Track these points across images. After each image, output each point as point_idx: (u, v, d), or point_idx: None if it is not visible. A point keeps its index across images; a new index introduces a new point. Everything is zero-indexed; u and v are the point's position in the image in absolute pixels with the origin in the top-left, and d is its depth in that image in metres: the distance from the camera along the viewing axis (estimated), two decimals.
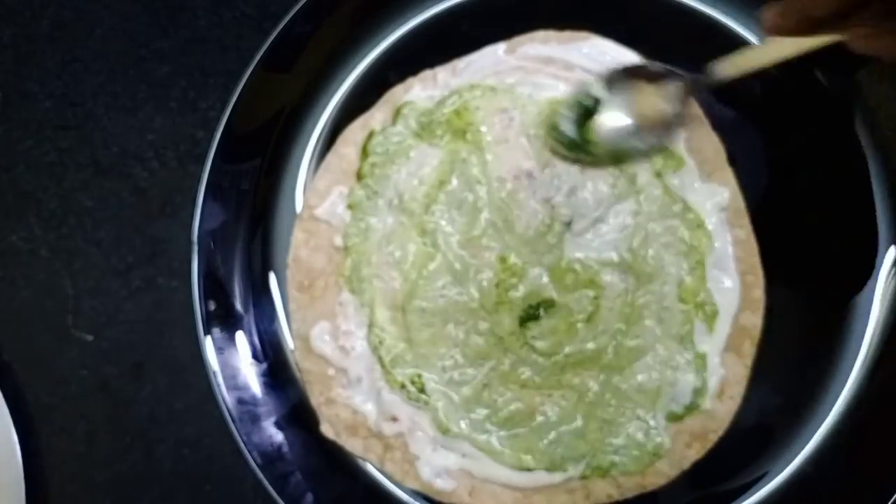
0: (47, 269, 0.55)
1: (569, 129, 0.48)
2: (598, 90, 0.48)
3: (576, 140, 0.48)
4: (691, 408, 0.47)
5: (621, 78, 0.48)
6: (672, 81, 0.47)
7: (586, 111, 0.48)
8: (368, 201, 0.51)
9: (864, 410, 0.48)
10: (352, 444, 0.49)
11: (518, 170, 0.50)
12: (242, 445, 0.49)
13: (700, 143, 0.50)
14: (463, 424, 0.48)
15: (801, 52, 0.45)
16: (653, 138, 0.48)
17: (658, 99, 0.47)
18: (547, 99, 0.50)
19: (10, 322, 0.54)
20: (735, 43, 0.52)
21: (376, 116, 0.52)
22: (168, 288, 0.54)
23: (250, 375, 0.50)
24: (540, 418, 0.47)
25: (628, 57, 0.51)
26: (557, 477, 0.47)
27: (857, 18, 0.37)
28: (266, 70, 0.52)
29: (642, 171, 0.49)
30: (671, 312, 0.48)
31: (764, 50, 0.46)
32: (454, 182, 0.50)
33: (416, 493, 0.49)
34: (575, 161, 0.49)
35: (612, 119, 0.47)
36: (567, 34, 0.52)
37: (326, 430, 0.49)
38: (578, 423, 0.47)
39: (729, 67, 0.46)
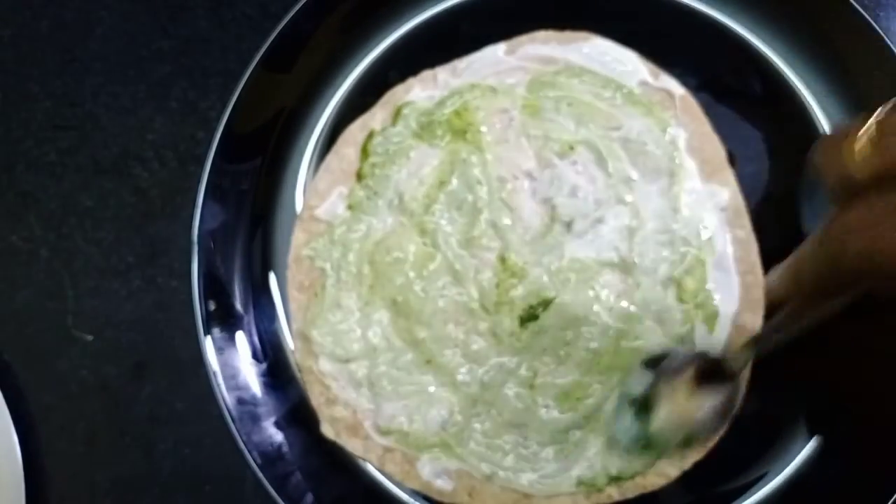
0: (47, 269, 0.55)
1: (624, 434, 0.46)
2: (636, 386, 0.46)
3: (635, 443, 0.46)
4: None
5: (663, 373, 0.45)
6: (713, 384, 0.44)
7: (632, 410, 0.46)
8: (368, 201, 0.51)
9: (863, 410, 0.47)
10: (352, 444, 0.49)
11: (518, 170, 0.50)
12: (242, 445, 0.49)
13: (700, 143, 0.50)
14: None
15: (818, 318, 0.41)
16: (700, 432, 0.45)
17: (694, 403, 0.44)
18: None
19: (10, 322, 0.54)
20: (736, 45, 0.52)
21: (376, 116, 0.52)
22: (168, 288, 0.54)
23: (250, 375, 0.50)
24: (540, 419, 0.47)
25: (628, 57, 0.51)
26: (561, 481, 0.47)
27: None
28: (266, 70, 0.52)
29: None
30: (671, 313, 0.48)
31: (788, 318, 0.42)
32: (454, 182, 0.50)
33: (416, 493, 0.49)
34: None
35: (658, 420, 0.45)
36: (567, 34, 0.52)
37: (326, 430, 0.49)
38: (579, 423, 0.47)
39: (766, 342, 0.43)
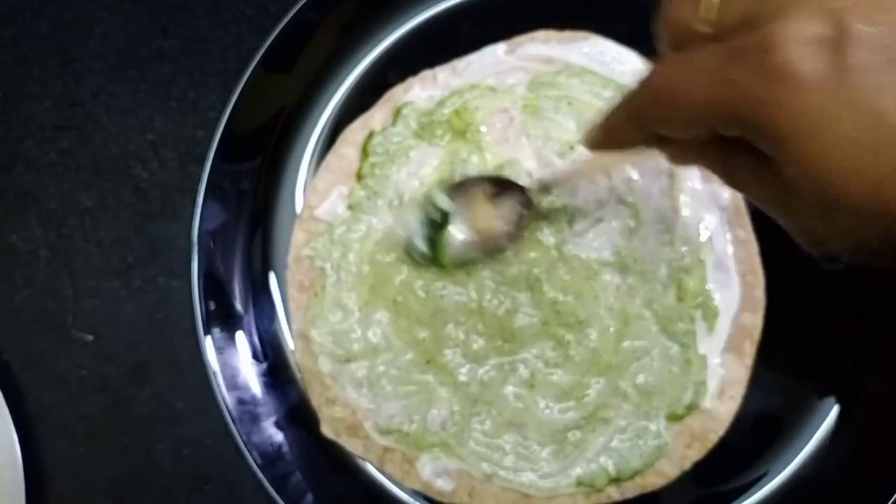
0: (47, 269, 0.55)
1: (421, 244, 0.49)
2: (444, 202, 0.49)
3: (428, 254, 0.49)
4: (691, 408, 0.47)
5: (462, 191, 0.49)
6: (507, 198, 0.48)
7: (434, 224, 0.49)
8: (368, 201, 0.51)
9: (863, 410, 0.48)
10: (352, 445, 0.49)
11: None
12: (242, 445, 0.49)
13: None
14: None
15: (625, 160, 0.47)
16: (491, 249, 0.49)
17: (493, 216, 0.48)
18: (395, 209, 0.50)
19: (10, 322, 0.54)
20: None
21: (376, 116, 0.52)
22: (168, 288, 0.54)
23: (250, 375, 0.50)
24: (540, 419, 0.47)
25: (628, 57, 0.51)
26: (560, 481, 0.47)
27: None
28: (266, 70, 0.52)
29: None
30: (671, 313, 0.48)
31: (591, 161, 0.45)
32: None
33: (416, 493, 0.49)
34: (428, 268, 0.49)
35: (457, 233, 0.49)
36: (567, 34, 0.52)
37: (326, 430, 0.49)
38: (579, 423, 0.47)
39: (556, 181, 0.47)
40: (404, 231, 0.49)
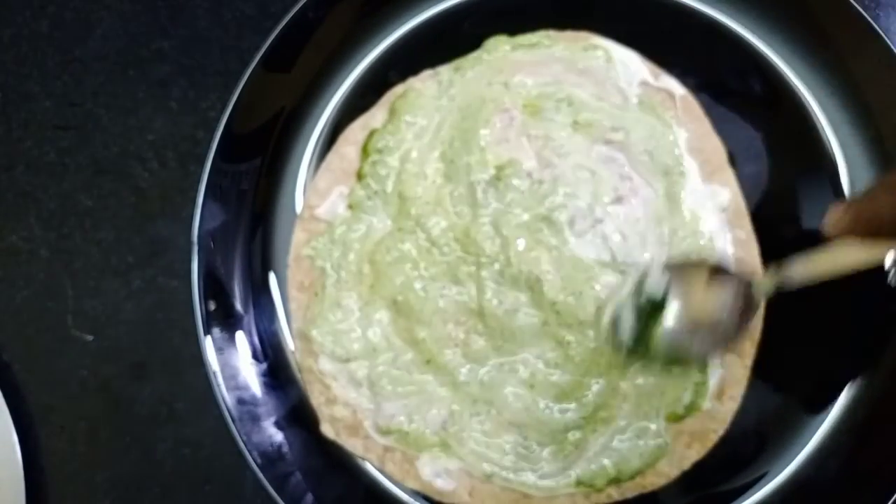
0: (47, 269, 0.55)
1: (627, 329, 0.45)
2: (657, 286, 0.44)
3: (634, 342, 0.45)
4: (691, 408, 0.47)
5: (679, 274, 0.44)
6: (729, 285, 0.43)
7: (644, 307, 0.45)
8: (369, 201, 0.51)
9: (864, 410, 0.48)
10: (352, 444, 0.49)
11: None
12: (242, 445, 0.49)
13: (700, 143, 0.50)
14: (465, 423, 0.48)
15: (871, 262, 0.39)
16: (707, 344, 0.44)
17: (710, 299, 0.43)
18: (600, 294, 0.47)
19: (10, 322, 0.54)
20: (736, 45, 0.52)
21: (377, 116, 0.52)
22: (168, 288, 0.54)
23: (250, 375, 0.50)
24: (540, 419, 0.47)
25: (629, 57, 0.51)
26: (560, 481, 0.47)
27: None
28: (266, 70, 0.52)
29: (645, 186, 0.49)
30: None
31: (832, 256, 0.40)
32: (455, 182, 0.50)
33: (416, 493, 0.49)
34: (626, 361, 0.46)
35: (671, 321, 0.43)
36: (567, 34, 0.52)
37: (326, 430, 0.49)
38: (579, 423, 0.47)
39: (796, 273, 0.41)
40: (608, 316, 0.45)
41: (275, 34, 0.52)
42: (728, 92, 0.51)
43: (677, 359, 0.45)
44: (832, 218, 0.36)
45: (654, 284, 0.44)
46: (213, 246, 0.51)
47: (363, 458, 0.49)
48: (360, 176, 0.51)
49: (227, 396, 0.50)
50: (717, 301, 0.43)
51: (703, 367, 0.47)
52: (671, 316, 0.43)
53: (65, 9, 0.58)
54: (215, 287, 0.51)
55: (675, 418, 0.47)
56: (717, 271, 0.44)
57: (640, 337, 0.44)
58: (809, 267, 0.41)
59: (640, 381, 0.47)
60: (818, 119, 0.51)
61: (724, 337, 0.44)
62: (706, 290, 0.43)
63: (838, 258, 0.39)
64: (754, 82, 0.52)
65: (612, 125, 0.50)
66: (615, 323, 0.45)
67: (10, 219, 0.56)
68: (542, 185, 0.49)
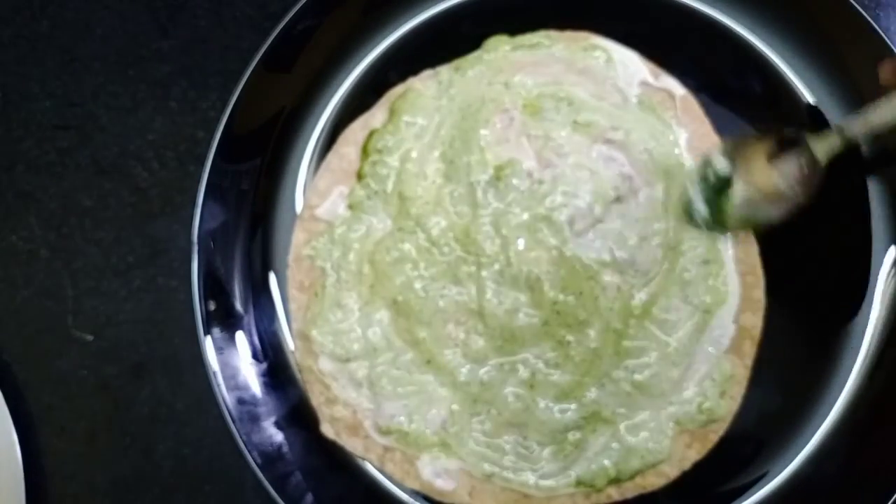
0: (47, 269, 0.55)
1: (701, 209, 0.48)
2: (722, 165, 0.47)
3: (710, 220, 0.48)
4: (703, 411, 0.47)
5: (741, 151, 0.47)
6: (789, 156, 0.45)
7: (712, 187, 0.47)
8: (369, 201, 0.51)
9: (864, 410, 0.48)
10: (352, 444, 0.49)
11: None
12: (242, 445, 0.49)
13: (700, 143, 0.50)
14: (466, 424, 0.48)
15: None
16: (777, 209, 0.46)
17: (773, 173, 0.46)
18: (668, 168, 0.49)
19: (10, 322, 0.54)
20: (736, 45, 0.52)
21: (377, 116, 0.52)
22: (168, 288, 0.54)
23: (250, 375, 0.50)
24: (540, 419, 0.47)
25: (629, 57, 0.51)
26: (560, 481, 0.47)
27: None
28: (266, 70, 0.52)
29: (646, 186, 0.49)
30: (671, 314, 0.48)
31: (887, 107, 0.42)
32: (455, 182, 0.50)
33: (416, 493, 0.49)
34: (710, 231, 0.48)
35: (737, 195, 0.47)
36: (567, 34, 0.52)
37: (326, 430, 0.49)
38: (579, 423, 0.47)
39: (857, 127, 0.43)
40: (682, 196, 0.48)
41: (275, 34, 0.52)
42: (728, 92, 0.51)
43: (754, 226, 0.48)
44: (886, 70, 0.38)
45: (720, 164, 0.46)
46: (213, 246, 0.51)
47: (363, 458, 0.49)
48: (360, 176, 0.51)
49: (227, 396, 0.50)
50: (779, 174, 0.45)
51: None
52: (739, 195, 0.46)
53: (65, 9, 0.58)
54: (215, 287, 0.51)
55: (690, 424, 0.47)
56: (778, 143, 0.46)
57: (715, 214, 0.47)
58: (868, 120, 0.42)
59: (639, 378, 0.47)
60: (818, 119, 0.51)
61: (795, 201, 0.46)
62: (768, 164, 0.46)
63: (893, 108, 0.41)
64: (754, 82, 0.52)
65: (612, 125, 0.50)
66: (688, 207, 0.48)
67: (10, 219, 0.56)
68: (542, 185, 0.49)
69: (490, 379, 0.48)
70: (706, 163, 0.48)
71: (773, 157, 0.46)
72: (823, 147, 0.45)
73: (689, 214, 0.48)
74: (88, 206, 0.56)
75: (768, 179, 0.46)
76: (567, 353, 0.48)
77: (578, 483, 0.47)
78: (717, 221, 0.48)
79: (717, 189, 0.47)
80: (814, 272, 0.49)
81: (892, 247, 0.49)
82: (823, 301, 0.49)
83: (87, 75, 0.57)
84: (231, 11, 0.57)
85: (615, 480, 0.47)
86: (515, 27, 0.52)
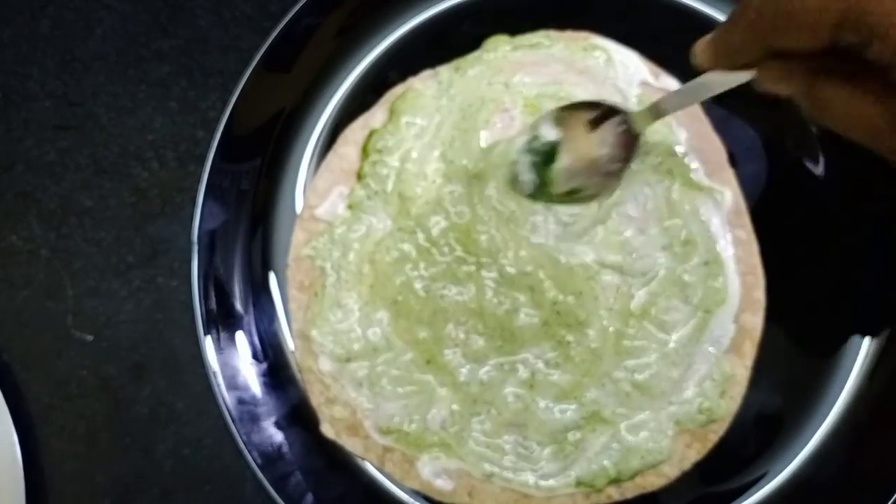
0: (47, 269, 0.55)
1: (528, 177, 0.48)
2: (548, 131, 0.48)
3: (536, 187, 0.48)
4: (702, 411, 0.47)
5: (565, 119, 0.48)
6: (610, 124, 0.47)
7: (538, 154, 0.48)
8: (369, 201, 0.51)
9: (864, 410, 0.48)
10: (352, 444, 0.49)
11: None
12: (242, 445, 0.49)
13: (700, 143, 0.50)
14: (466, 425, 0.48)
15: (733, 84, 0.41)
16: (599, 179, 0.48)
17: (595, 143, 0.47)
18: (491, 144, 0.50)
19: (10, 322, 0.54)
20: None
21: (376, 116, 0.52)
22: (168, 288, 0.54)
23: (250, 375, 0.50)
24: (540, 419, 0.47)
25: (629, 57, 0.51)
26: (560, 481, 0.47)
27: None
28: (266, 70, 0.52)
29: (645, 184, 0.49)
30: (671, 314, 0.48)
31: (700, 84, 0.43)
32: (455, 182, 0.50)
33: (416, 493, 0.49)
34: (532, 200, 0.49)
35: (563, 161, 0.48)
36: (567, 34, 0.52)
37: (326, 430, 0.49)
38: (579, 423, 0.47)
39: (669, 103, 0.44)
40: (507, 162, 0.48)
41: (275, 34, 0.52)
42: (728, 92, 0.51)
43: (576, 196, 0.48)
44: (697, 52, 0.39)
45: (546, 133, 0.48)
46: (213, 246, 0.51)
47: (363, 458, 0.49)
48: (360, 176, 0.51)
49: (227, 396, 0.50)
50: (598, 139, 0.47)
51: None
52: (562, 157, 0.48)
53: (65, 9, 0.58)
54: (215, 287, 0.51)
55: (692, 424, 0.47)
56: (597, 111, 0.47)
57: (541, 184, 0.48)
58: (681, 96, 0.44)
59: (639, 379, 0.47)
60: None
61: (613, 170, 0.47)
62: (589, 130, 0.47)
63: (706, 85, 0.42)
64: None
65: None
66: (515, 177, 0.48)
67: (10, 219, 0.56)
68: None
69: (490, 379, 0.48)
70: (533, 131, 0.49)
71: (593, 126, 0.47)
72: (640, 118, 0.46)
73: (515, 183, 0.48)
74: (88, 206, 0.56)
75: (588, 146, 0.47)
76: (567, 353, 0.48)
77: (578, 483, 0.47)
78: (544, 192, 0.48)
79: (544, 158, 0.48)
80: (814, 272, 0.49)
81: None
82: (823, 301, 0.49)
83: (87, 75, 0.57)
84: (231, 11, 0.57)
85: (615, 480, 0.47)
86: (515, 27, 0.52)
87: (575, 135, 0.48)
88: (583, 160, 0.48)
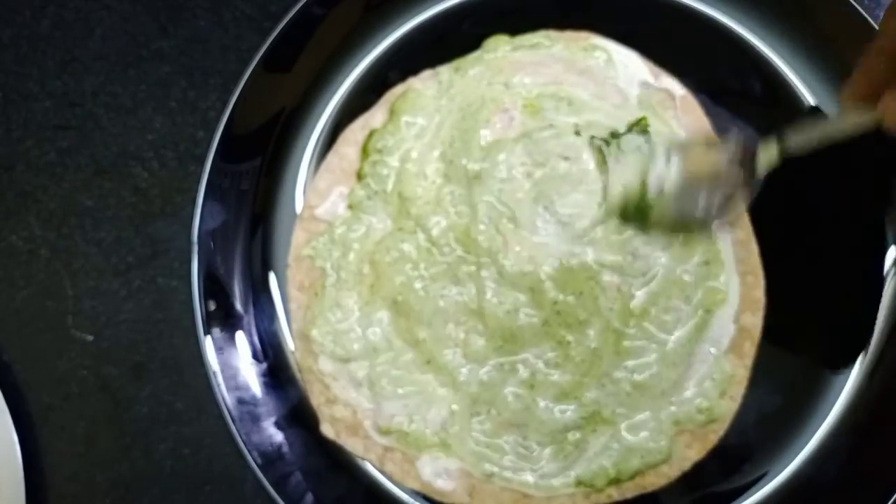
0: (47, 269, 0.55)
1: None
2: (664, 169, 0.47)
3: (643, 225, 0.48)
4: (702, 410, 0.47)
5: (681, 144, 0.48)
6: (727, 145, 0.46)
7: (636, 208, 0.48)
8: (369, 201, 0.51)
9: (864, 410, 0.48)
10: (352, 444, 0.49)
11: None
12: (242, 445, 0.49)
13: None
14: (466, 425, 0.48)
15: (872, 124, 0.41)
16: (707, 199, 0.46)
17: (709, 156, 0.46)
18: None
19: (10, 322, 0.54)
20: (736, 45, 0.52)
21: (377, 116, 0.52)
22: (168, 288, 0.54)
23: (250, 375, 0.50)
24: (540, 419, 0.47)
25: (629, 57, 0.51)
26: (560, 481, 0.47)
27: None
28: (266, 70, 0.52)
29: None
30: (671, 314, 0.48)
31: (830, 123, 0.43)
32: (455, 182, 0.50)
33: (416, 493, 0.49)
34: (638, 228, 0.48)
35: (667, 178, 0.46)
36: (567, 34, 0.52)
37: (326, 430, 0.49)
38: (579, 423, 0.47)
39: (797, 139, 0.43)
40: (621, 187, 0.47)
41: (275, 34, 0.52)
42: (728, 92, 0.51)
43: (684, 222, 0.47)
44: (844, 91, 0.40)
45: (663, 167, 0.47)
46: (213, 246, 0.51)
47: (363, 458, 0.49)
48: (360, 176, 0.51)
49: (227, 396, 0.50)
50: (715, 157, 0.46)
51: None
52: (674, 172, 0.46)
53: (65, 9, 0.58)
54: (215, 287, 0.51)
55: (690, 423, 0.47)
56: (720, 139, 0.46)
57: (646, 221, 0.47)
58: (810, 133, 0.43)
59: (637, 377, 0.47)
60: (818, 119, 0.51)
61: (725, 197, 0.46)
62: (706, 150, 0.46)
63: (836, 124, 0.42)
64: (754, 82, 0.52)
65: (612, 125, 0.50)
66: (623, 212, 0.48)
67: (10, 219, 0.56)
68: None
69: (490, 379, 0.48)
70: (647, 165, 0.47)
71: (711, 145, 0.47)
72: (763, 154, 0.45)
73: (622, 207, 0.48)
74: (88, 206, 0.56)
75: (704, 160, 0.46)
76: (567, 353, 0.48)
77: (578, 483, 0.47)
78: (644, 213, 0.47)
79: (640, 208, 0.47)
80: (814, 272, 0.49)
81: (894, 247, 0.49)
82: (823, 301, 0.49)
83: (87, 75, 0.57)
84: (231, 11, 0.57)
85: (615, 480, 0.47)
86: (515, 27, 0.52)
87: (691, 153, 0.47)
88: (695, 175, 0.46)
